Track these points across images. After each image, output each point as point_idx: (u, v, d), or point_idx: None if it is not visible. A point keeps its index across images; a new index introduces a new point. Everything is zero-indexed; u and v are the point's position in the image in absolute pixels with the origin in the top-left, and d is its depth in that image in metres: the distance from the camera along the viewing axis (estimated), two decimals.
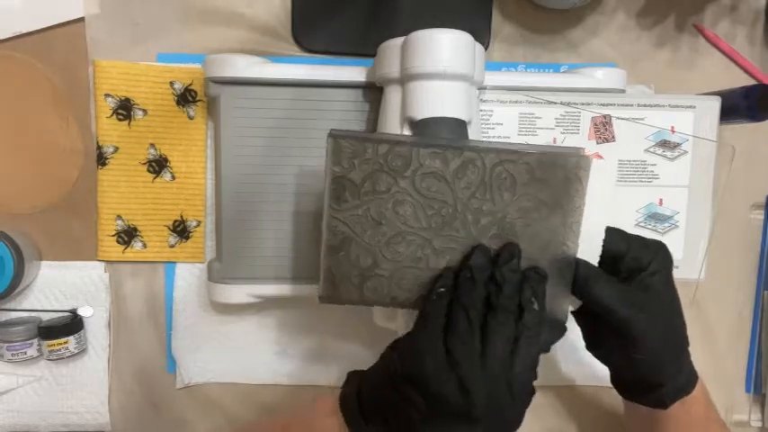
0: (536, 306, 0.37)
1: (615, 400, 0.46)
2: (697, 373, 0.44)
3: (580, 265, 0.40)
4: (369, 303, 0.41)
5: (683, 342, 0.42)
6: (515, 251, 0.38)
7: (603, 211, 0.40)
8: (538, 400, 0.59)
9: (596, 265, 0.41)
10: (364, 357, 0.59)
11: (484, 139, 0.51)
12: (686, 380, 0.43)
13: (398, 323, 0.45)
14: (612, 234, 0.41)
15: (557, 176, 0.38)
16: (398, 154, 0.38)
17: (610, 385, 0.46)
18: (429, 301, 0.38)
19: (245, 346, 0.58)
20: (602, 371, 0.45)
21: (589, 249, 0.41)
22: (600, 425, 0.60)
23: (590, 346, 0.44)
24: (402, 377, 0.36)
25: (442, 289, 0.38)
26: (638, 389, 0.44)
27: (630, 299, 0.39)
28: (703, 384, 0.44)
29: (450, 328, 0.36)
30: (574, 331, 0.43)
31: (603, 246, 0.41)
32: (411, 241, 0.39)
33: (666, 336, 0.41)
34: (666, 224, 0.53)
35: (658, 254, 0.41)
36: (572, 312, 0.43)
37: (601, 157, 0.52)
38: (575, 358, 0.59)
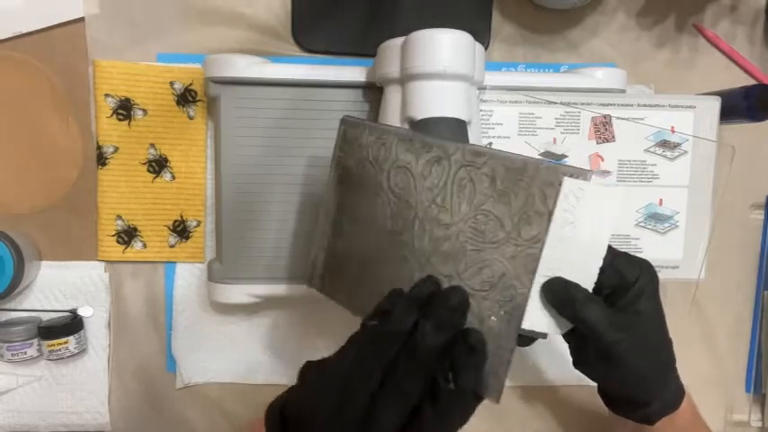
0: (451, 385, 0.29)
1: (601, 400, 0.46)
2: (684, 387, 0.44)
3: (572, 287, 0.37)
4: (336, 300, 0.40)
5: (669, 361, 0.42)
6: (459, 306, 0.31)
7: (604, 233, 0.36)
8: (522, 401, 0.60)
9: (591, 288, 0.38)
10: None
11: (485, 142, 0.51)
12: (673, 397, 0.43)
13: None
14: None
15: (519, 192, 0.33)
16: (382, 143, 0.37)
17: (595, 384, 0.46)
18: (356, 333, 0.32)
19: (245, 346, 0.58)
20: None
21: (584, 271, 0.38)
22: (590, 425, 0.60)
23: (577, 365, 0.43)
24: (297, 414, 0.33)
25: (373, 322, 0.31)
26: (625, 406, 0.43)
27: (618, 322, 0.38)
28: (690, 397, 0.44)
29: (346, 379, 0.31)
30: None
31: None
32: (375, 244, 0.37)
33: (653, 357, 0.40)
34: (666, 224, 0.53)
35: (644, 271, 0.40)
36: None
37: (601, 157, 0.52)
38: (560, 359, 0.59)
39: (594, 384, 0.45)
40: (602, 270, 0.38)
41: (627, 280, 0.39)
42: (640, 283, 0.39)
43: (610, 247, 0.39)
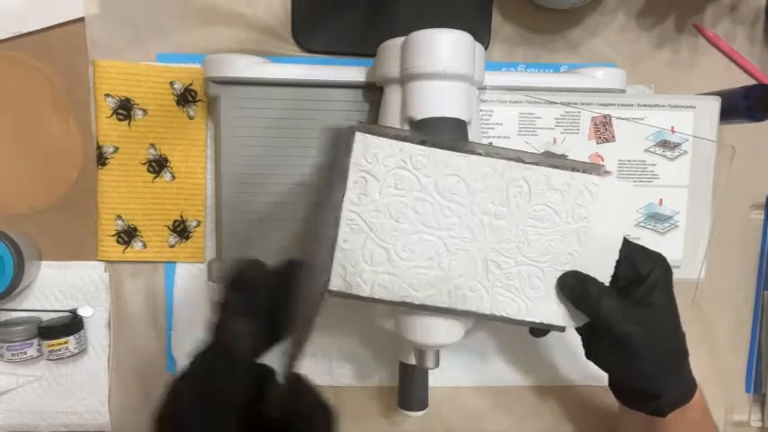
0: None
1: (611, 399, 0.47)
2: (696, 381, 0.44)
3: (589, 281, 0.39)
4: (378, 301, 0.40)
5: (682, 354, 0.42)
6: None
7: (619, 228, 0.38)
8: (533, 399, 0.60)
9: (608, 282, 0.39)
10: (364, 357, 0.59)
11: (485, 141, 0.51)
12: (685, 390, 0.43)
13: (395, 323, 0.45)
14: None
15: (337, 164, 0.38)
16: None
17: (605, 385, 0.46)
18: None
19: None
20: (598, 371, 0.45)
21: (600, 265, 0.39)
22: (595, 425, 0.60)
23: (589, 356, 0.43)
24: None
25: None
26: (636, 398, 0.44)
27: (631, 314, 0.39)
28: (701, 391, 0.44)
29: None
30: (570, 332, 0.43)
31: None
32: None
33: (665, 349, 0.40)
34: (666, 224, 0.53)
35: (658, 265, 0.40)
36: None
37: (601, 157, 0.52)
38: (571, 359, 0.59)
39: (594, 384, 0.45)
40: (618, 263, 0.39)
41: (641, 273, 0.40)
42: (654, 276, 0.40)
43: (625, 240, 0.40)
